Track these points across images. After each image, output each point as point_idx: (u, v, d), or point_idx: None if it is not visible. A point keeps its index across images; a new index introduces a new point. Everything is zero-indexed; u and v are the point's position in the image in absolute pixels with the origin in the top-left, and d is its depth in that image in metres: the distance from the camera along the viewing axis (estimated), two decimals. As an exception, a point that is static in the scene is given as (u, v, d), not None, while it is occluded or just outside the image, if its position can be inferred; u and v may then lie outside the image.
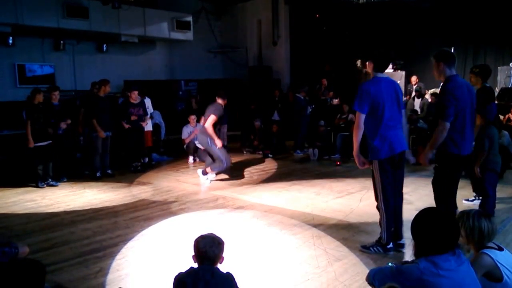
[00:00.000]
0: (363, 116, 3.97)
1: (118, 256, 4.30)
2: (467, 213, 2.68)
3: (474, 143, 4.59)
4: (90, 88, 9.08)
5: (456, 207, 4.19)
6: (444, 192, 4.04)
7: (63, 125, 7.72)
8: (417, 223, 2.24)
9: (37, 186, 7.29)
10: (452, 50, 11.37)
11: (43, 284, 2.20)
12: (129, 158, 8.78)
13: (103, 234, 4.95)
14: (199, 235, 2.61)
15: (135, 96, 8.59)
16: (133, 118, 8.42)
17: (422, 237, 2.20)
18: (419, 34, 13.35)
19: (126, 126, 8.41)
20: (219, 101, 7.50)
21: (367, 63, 4.12)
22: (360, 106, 3.95)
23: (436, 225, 2.16)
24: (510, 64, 10.77)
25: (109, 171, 8.22)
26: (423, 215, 2.25)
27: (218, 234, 2.63)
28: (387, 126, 3.98)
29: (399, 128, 4.09)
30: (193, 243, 2.57)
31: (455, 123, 3.81)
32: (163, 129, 10.55)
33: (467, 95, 3.87)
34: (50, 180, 7.47)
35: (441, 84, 3.97)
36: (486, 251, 2.54)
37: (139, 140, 8.67)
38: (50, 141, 7.43)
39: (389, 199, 4.11)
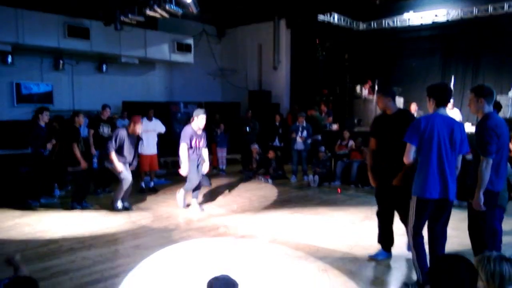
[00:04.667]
0: (413, 148, 3.85)
1: (119, 288, 4.16)
2: (488, 256, 2.62)
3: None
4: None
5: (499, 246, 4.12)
6: (484, 229, 3.98)
7: (49, 146, 7.52)
8: (439, 271, 2.17)
9: (72, 208, 7.21)
10: (452, 79, 11.52)
11: None
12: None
13: (103, 264, 4.80)
14: (213, 276, 2.51)
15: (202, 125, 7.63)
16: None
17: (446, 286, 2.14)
18: (418, 60, 13.48)
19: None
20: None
21: (428, 99, 3.90)
22: (409, 138, 3.86)
23: (461, 274, 2.12)
24: (509, 93, 10.72)
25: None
26: (445, 263, 2.18)
27: (228, 271, 2.53)
28: (432, 168, 3.78)
29: (446, 173, 3.79)
30: (206, 284, 2.47)
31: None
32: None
33: (506, 132, 3.90)
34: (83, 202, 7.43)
35: (479, 120, 3.94)
36: None
37: None
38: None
39: (419, 236, 3.95)
